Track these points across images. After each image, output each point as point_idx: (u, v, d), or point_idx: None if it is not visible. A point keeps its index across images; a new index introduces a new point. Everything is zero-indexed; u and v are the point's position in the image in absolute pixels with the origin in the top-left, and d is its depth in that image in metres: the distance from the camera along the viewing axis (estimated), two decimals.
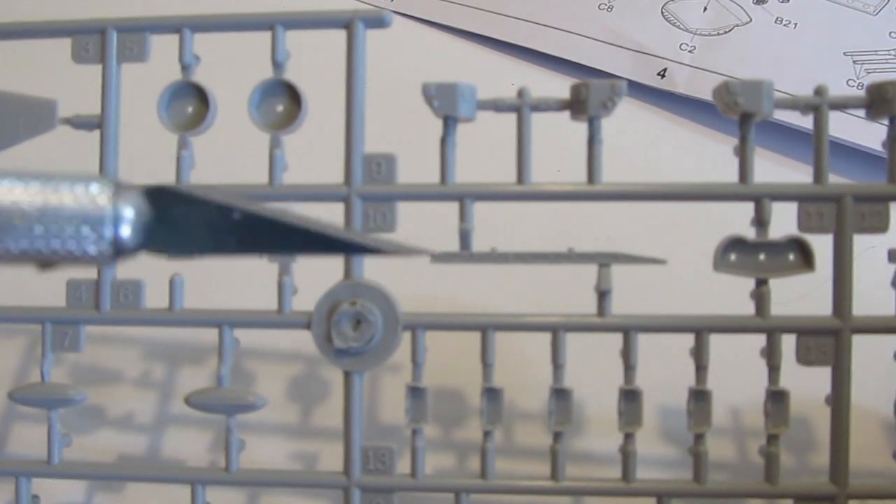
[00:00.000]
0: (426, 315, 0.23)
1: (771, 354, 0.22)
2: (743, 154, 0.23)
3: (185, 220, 0.13)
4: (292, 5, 0.23)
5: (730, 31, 0.33)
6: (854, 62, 0.31)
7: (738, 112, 0.22)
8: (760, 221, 0.22)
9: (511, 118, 0.23)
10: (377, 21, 0.23)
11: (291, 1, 0.24)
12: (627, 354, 0.23)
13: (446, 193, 0.23)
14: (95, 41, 0.24)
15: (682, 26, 0.33)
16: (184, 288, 0.24)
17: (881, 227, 0.22)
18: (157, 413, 0.28)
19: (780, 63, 0.32)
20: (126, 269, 0.24)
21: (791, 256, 0.23)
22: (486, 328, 0.23)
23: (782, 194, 0.22)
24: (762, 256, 0.23)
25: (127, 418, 0.28)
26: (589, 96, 0.22)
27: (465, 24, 0.36)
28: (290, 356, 0.29)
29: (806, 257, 0.22)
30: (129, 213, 0.13)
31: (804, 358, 0.22)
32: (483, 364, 0.23)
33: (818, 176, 0.22)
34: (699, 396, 0.23)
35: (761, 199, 0.22)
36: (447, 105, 0.23)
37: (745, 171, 0.22)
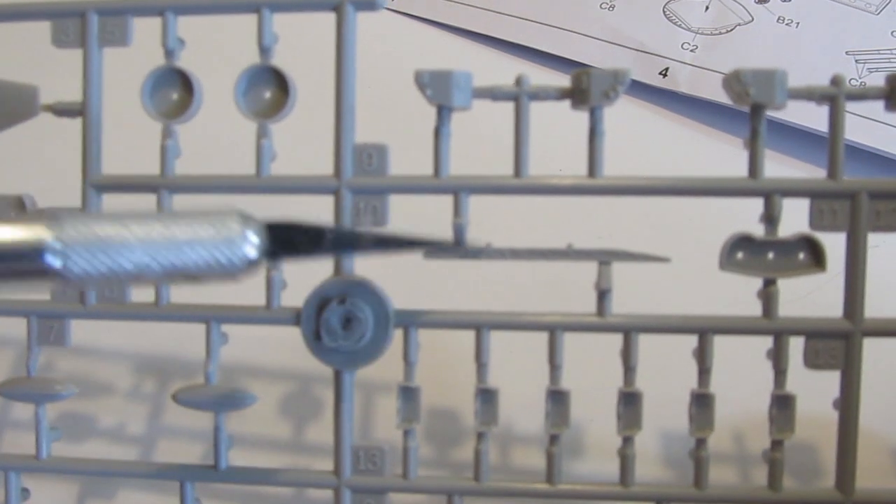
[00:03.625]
0: (418, 313, 0.22)
1: (778, 357, 0.22)
2: (753, 147, 0.21)
3: (293, 241, 0.18)
4: None
5: (732, 30, 0.32)
6: (856, 61, 0.31)
7: (749, 102, 0.21)
8: (770, 218, 0.21)
9: (509, 109, 0.22)
10: (368, 4, 0.22)
11: None
12: (627, 356, 0.22)
13: (440, 186, 0.22)
14: (76, 24, 0.23)
15: (683, 25, 0.33)
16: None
17: None
18: (147, 426, 0.28)
19: (781, 62, 0.31)
20: None
21: (801, 256, 0.21)
22: (481, 327, 0.22)
23: (794, 190, 0.21)
24: (771, 255, 0.21)
25: (118, 430, 0.28)
26: (591, 85, 0.21)
27: (467, 23, 0.35)
28: (282, 373, 0.28)
29: (817, 257, 0.21)
30: (254, 238, 0.17)
31: (812, 362, 0.21)
32: (477, 364, 0.22)
33: (832, 171, 0.21)
34: (701, 400, 0.22)
35: (772, 195, 0.21)
36: (441, 93, 0.21)
37: (755, 166, 0.21)
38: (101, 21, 0.23)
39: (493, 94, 0.22)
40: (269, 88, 0.23)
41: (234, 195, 0.23)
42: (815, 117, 0.27)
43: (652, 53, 0.33)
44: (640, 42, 0.33)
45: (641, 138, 0.32)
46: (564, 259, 0.22)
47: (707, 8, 0.33)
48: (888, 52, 0.31)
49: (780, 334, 0.21)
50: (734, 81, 0.21)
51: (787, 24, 0.31)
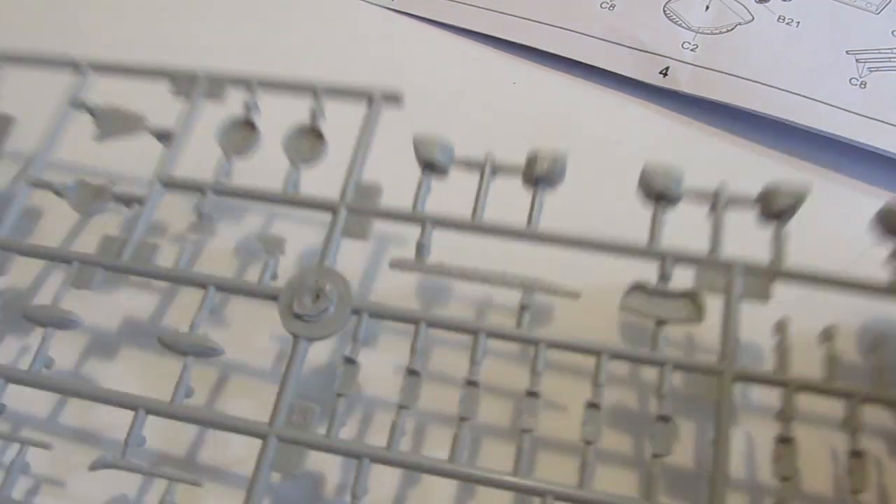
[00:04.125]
0: (371, 303, 0.27)
1: (660, 385, 0.25)
2: (653, 224, 0.28)
3: None
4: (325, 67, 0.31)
5: (732, 29, 0.32)
6: (857, 61, 0.31)
7: (653, 195, 0.28)
8: (663, 276, 0.27)
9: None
10: (393, 99, 0.31)
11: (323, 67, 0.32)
12: (534, 364, 0.26)
13: (411, 217, 0.29)
14: (188, 82, 0.32)
15: (684, 25, 0.33)
16: (189, 255, 0.29)
17: (764, 296, 0.26)
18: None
19: (782, 61, 0.31)
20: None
21: (685, 307, 0.26)
22: (419, 321, 0.27)
23: (683, 257, 0.27)
24: (661, 303, 0.26)
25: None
26: (535, 167, 0.28)
27: (467, 22, 0.36)
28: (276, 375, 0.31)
29: (698, 309, 0.26)
30: None
31: (691, 391, 0.25)
32: (411, 351, 0.27)
33: (713, 247, 0.27)
34: (593, 407, 0.25)
35: (665, 259, 0.27)
36: (426, 153, 0.29)
37: (654, 234, 0.27)
38: (208, 83, 0.32)
39: (467, 164, 0.30)
40: (308, 140, 0.31)
41: (262, 203, 0.30)
42: (816, 117, 0.28)
43: (652, 53, 0.33)
44: (640, 41, 0.33)
45: (641, 137, 0.33)
46: (497, 283, 0.27)
47: (707, 7, 0.33)
48: (888, 51, 0.31)
49: (664, 366, 0.25)
50: (643, 177, 0.28)
51: (787, 24, 0.31)
